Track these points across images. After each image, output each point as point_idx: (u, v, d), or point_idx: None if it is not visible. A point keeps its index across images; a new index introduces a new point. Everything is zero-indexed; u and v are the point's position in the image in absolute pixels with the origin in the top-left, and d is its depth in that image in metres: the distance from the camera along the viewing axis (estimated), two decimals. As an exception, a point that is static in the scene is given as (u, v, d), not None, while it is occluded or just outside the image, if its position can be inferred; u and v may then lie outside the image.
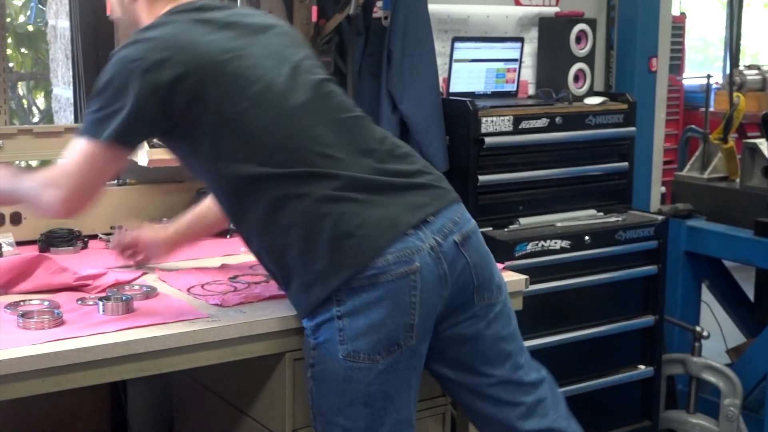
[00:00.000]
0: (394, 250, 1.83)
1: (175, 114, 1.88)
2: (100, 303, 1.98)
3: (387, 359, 1.85)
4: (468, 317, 1.97)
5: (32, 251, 2.39)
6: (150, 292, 2.12)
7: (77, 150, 1.90)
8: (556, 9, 3.47)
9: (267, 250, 1.94)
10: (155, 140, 2.41)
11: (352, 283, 1.82)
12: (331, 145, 1.88)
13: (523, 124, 2.96)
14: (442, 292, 1.90)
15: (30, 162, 2.95)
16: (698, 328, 3.36)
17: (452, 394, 2.10)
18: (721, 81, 5.46)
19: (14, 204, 2.36)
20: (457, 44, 3.05)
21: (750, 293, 3.92)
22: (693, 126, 4.13)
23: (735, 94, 3.68)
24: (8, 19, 3.05)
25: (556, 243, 2.91)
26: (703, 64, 8.29)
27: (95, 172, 1.92)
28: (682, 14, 6.00)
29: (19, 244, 2.50)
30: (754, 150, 3.46)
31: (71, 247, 2.52)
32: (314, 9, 2.87)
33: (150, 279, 2.25)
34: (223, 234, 2.72)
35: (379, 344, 1.84)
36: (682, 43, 5.81)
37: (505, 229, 2.94)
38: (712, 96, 4.60)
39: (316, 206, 1.83)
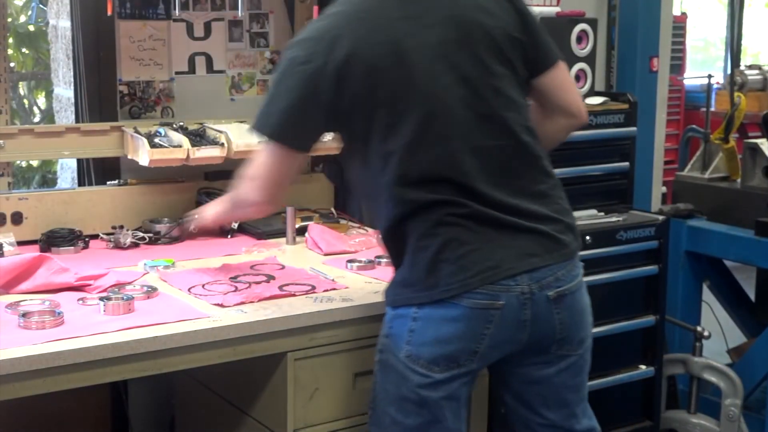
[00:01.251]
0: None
1: (333, 116, 1.89)
2: (101, 303, 1.98)
3: (444, 373, 1.87)
4: (540, 361, 1.98)
5: (33, 251, 2.39)
6: (151, 292, 2.12)
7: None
8: (557, 9, 3.46)
9: (385, 244, 1.98)
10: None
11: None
12: (469, 174, 1.86)
13: (524, 124, 2.94)
14: (518, 335, 1.90)
15: (30, 162, 2.95)
16: (699, 328, 3.35)
17: (506, 410, 2.11)
18: (722, 81, 5.46)
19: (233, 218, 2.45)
20: (458, 44, 3.03)
21: (751, 293, 3.91)
22: (694, 126, 4.12)
23: (736, 94, 3.66)
24: (9, 19, 3.05)
25: (557, 243, 2.91)
26: (704, 64, 8.29)
27: (273, 170, 1.98)
28: (683, 14, 6.01)
29: (20, 243, 2.50)
30: (755, 150, 3.45)
31: (72, 247, 2.52)
32: (315, 9, 2.86)
33: (151, 279, 2.26)
34: (223, 234, 2.72)
35: (440, 358, 1.86)
36: (683, 43, 5.82)
37: (506, 229, 2.93)
38: (713, 96, 4.60)
39: (431, 225, 1.85)
